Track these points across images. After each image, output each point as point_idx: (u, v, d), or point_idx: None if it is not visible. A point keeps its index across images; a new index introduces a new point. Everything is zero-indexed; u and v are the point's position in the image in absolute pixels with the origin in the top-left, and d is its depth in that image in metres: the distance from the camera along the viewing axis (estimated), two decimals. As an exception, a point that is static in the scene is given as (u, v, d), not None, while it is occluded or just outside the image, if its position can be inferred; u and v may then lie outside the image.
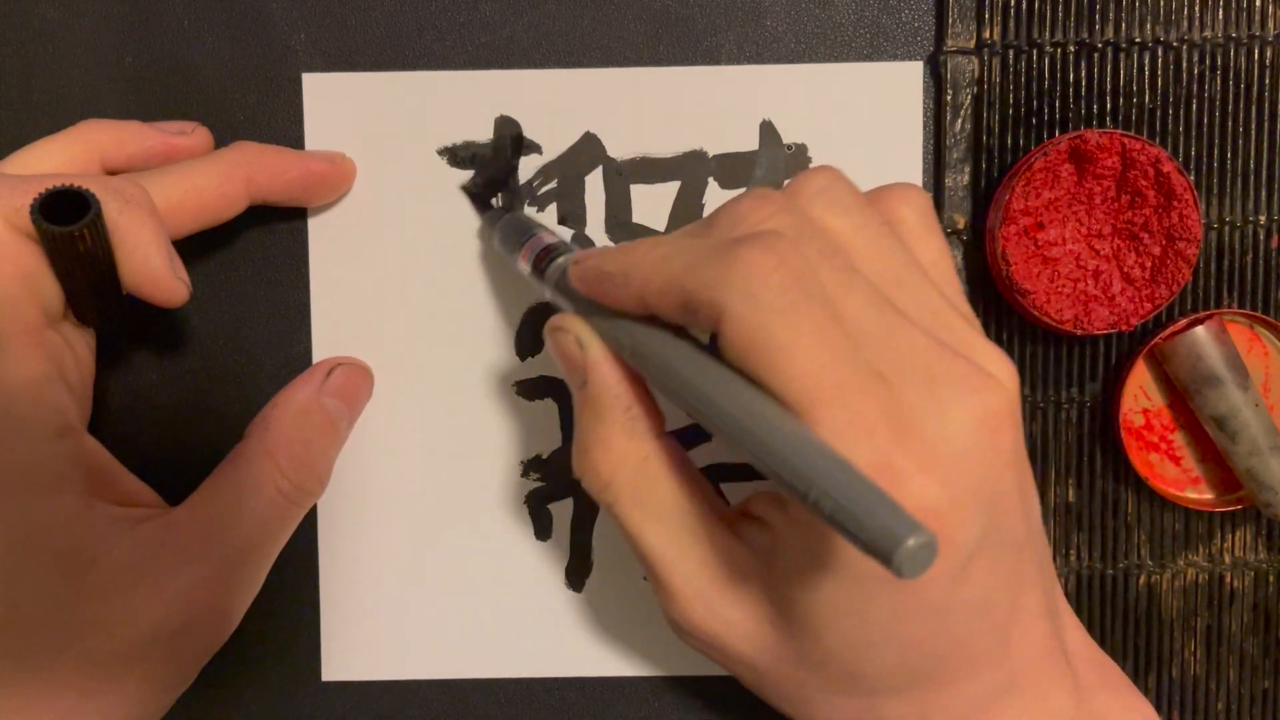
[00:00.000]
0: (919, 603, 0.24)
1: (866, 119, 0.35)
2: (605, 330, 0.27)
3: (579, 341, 0.27)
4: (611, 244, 0.36)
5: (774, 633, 0.26)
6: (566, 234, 0.35)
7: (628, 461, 0.27)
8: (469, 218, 0.36)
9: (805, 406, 0.22)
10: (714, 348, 0.24)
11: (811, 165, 0.35)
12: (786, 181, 0.27)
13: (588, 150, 0.35)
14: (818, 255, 0.24)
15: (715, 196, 0.35)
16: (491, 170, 0.35)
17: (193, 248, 0.35)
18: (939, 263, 0.27)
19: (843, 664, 0.26)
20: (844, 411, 0.22)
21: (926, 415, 0.23)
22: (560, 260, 0.30)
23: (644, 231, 0.36)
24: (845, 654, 0.25)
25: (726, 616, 0.27)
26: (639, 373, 0.27)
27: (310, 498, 0.32)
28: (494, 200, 0.35)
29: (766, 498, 0.28)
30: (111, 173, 0.32)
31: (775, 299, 0.22)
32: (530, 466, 0.36)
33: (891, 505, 0.20)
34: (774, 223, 0.24)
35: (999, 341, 0.36)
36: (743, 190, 0.27)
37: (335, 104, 0.35)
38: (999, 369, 0.25)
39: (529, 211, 0.35)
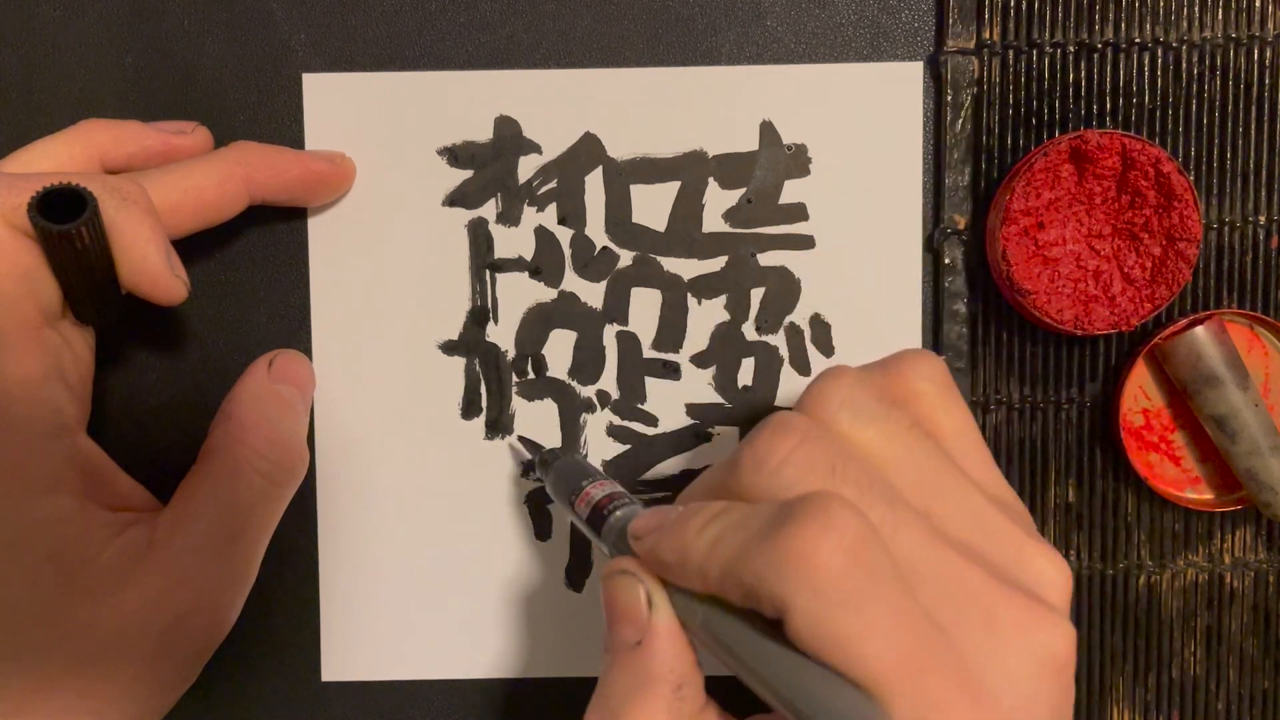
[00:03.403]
0: None
1: (866, 119, 0.35)
2: (675, 597, 0.25)
3: (649, 599, 0.25)
4: (612, 244, 0.36)
5: None
6: (566, 235, 0.35)
7: None
8: (468, 218, 0.36)
9: (883, 693, 0.22)
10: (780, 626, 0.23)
11: (811, 167, 0.35)
12: (803, 390, 0.26)
13: (588, 150, 0.35)
14: (857, 493, 0.23)
15: (715, 196, 0.35)
16: (491, 170, 0.35)
17: (193, 248, 0.35)
18: (965, 433, 0.26)
19: None
20: (922, 696, 0.21)
21: (991, 664, 0.23)
22: (618, 515, 0.29)
23: (644, 232, 0.35)
24: None
25: None
26: (700, 644, 0.25)
27: (290, 475, 0.32)
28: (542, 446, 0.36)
29: None
30: (111, 172, 0.32)
31: (839, 588, 0.21)
32: (530, 467, 0.36)
33: None
34: (798, 460, 0.24)
35: (998, 341, 0.36)
36: (762, 420, 0.25)
37: (335, 104, 0.35)
38: (1052, 582, 0.24)
39: (528, 210, 0.35)
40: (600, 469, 0.32)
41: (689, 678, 0.25)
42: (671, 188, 0.36)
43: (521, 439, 0.36)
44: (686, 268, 0.36)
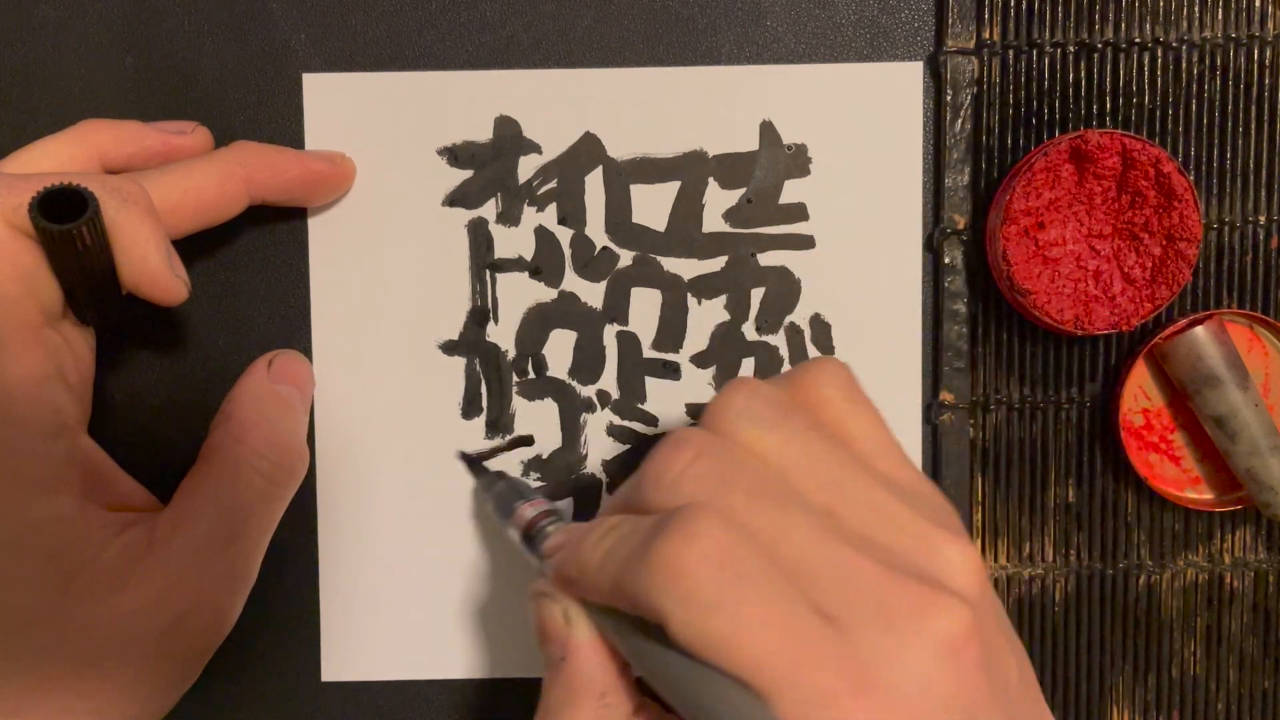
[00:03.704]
0: None
1: (866, 119, 0.35)
2: (589, 611, 0.26)
3: (566, 616, 0.26)
4: (612, 244, 0.36)
5: None
6: (566, 235, 0.35)
7: None
8: (468, 218, 0.36)
9: (766, 690, 0.22)
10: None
11: (811, 167, 0.35)
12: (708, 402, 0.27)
13: (588, 150, 0.35)
14: (746, 499, 0.23)
15: (715, 196, 0.35)
16: (491, 170, 0.35)
17: (193, 248, 0.35)
18: (872, 434, 0.26)
19: None
20: (804, 688, 0.22)
21: (885, 656, 0.23)
22: (548, 533, 0.29)
23: (644, 232, 0.36)
24: None
25: None
26: (619, 652, 0.26)
27: (291, 475, 0.32)
28: (489, 463, 0.36)
29: None
30: (111, 172, 0.32)
31: (706, 593, 0.22)
32: (530, 466, 0.36)
33: None
34: (693, 473, 0.24)
35: (998, 341, 0.36)
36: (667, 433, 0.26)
37: (335, 104, 0.35)
38: (955, 571, 0.24)
39: (528, 210, 0.36)
40: (535, 490, 0.33)
41: (612, 686, 0.26)
42: (671, 188, 0.36)
43: (463, 456, 0.36)
44: (686, 268, 0.36)
